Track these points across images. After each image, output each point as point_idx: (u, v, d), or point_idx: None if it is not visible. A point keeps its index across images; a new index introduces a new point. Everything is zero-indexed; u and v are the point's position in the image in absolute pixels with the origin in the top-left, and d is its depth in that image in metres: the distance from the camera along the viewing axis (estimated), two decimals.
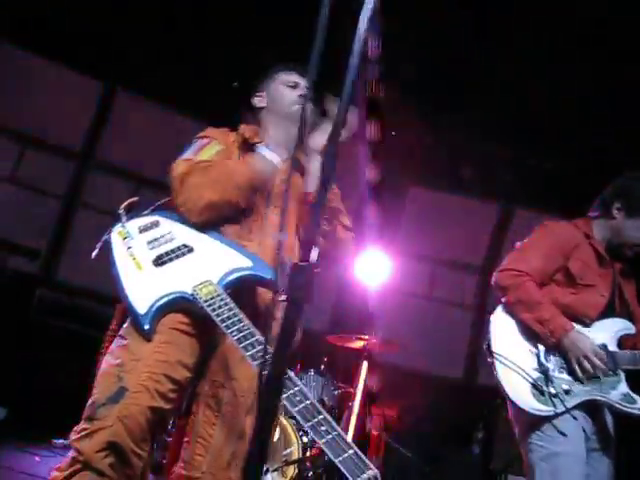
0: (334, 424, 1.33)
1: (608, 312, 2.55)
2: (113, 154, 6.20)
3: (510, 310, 2.53)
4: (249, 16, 5.19)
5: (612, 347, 2.46)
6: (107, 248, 1.99)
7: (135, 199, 2.14)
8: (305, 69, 2.13)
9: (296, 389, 1.43)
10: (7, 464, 3.92)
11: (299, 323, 1.01)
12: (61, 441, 4.65)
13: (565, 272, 2.55)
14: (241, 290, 1.82)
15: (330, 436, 1.31)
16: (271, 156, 2.04)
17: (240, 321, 1.62)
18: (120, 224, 2.06)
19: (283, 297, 1.03)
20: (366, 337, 4.47)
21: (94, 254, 2.03)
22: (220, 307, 1.66)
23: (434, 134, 5.94)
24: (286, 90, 2.18)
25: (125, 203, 2.10)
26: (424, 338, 6.17)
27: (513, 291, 2.50)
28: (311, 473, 3.89)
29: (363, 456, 1.28)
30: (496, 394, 5.61)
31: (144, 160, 6.20)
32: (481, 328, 6.54)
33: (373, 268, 5.44)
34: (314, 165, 2.05)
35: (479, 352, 6.48)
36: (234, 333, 1.58)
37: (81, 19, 5.31)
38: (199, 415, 1.86)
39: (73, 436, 1.69)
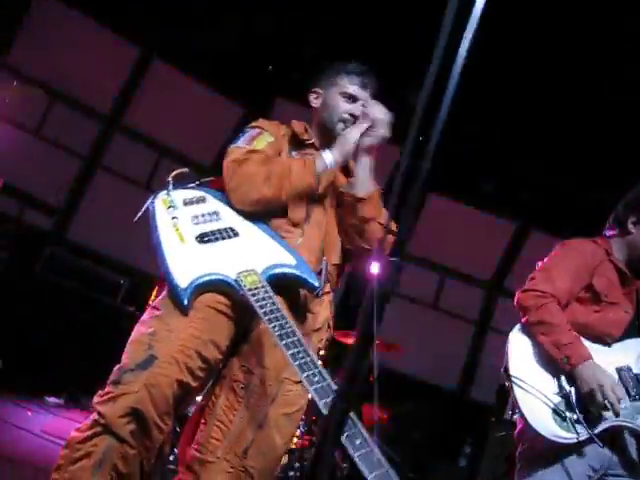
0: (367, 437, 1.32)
1: (631, 331, 2.47)
2: (139, 121, 6.18)
3: (529, 331, 2.49)
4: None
5: (637, 369, 2.37)
6: (150, 214, 1.98)
7: (185, 170, 2.11)
8: (368, 78, 2.14)
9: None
10: (1, 414, 3.93)
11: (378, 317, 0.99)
12: (53, 399, 4.67)
13: (589, 289, 2.48)
14: (279, 284, 1.81)
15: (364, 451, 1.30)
16: (330, 162, 2.01)
17: (283, 317, 1.59)
18: (165, 192, 2.04)
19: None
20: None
21: (136, 218, 2.02)
22: (264, 299, 1.63)
23: (461, 143, 5.91)
24: (341, 102, 2.12)
25: (174, 172, 2.08)
26: (423, 345, 6.17)
27: (534, 312, 2.43)
28: (298, 464, 3.91)
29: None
30: (489, 412, 5.66)
31: (169, 131, 6.19)
32: (481, 343, 6.56)
33: (382, 269, 5.42)
34: (360, 165, 2.03)
35: (476, 367, 6.50)
36: (276, 328, 1.56)
37: None
38: (221, 398, 1.83)
39: (96, 399, 1.67)
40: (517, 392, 2.36)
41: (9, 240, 4.84)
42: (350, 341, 4.48)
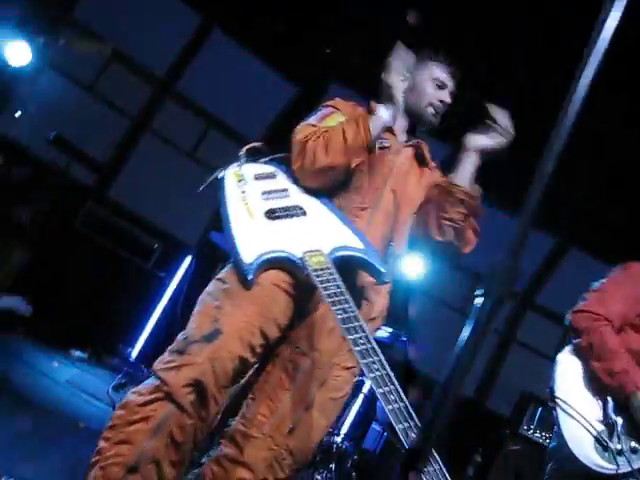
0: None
1: None
2: (192, 90, 6.18)
3: (580, 354, 2.44)
4: None
5: None
6: (219, 185, 1.96)
7: (259, 144, 2.09)
8: (457, 70, 2.12)
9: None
10: (27, 360, 3.99)
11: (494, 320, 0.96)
12: (78, 353, 4.73)
13: None
14: (341, 267, 1.79)
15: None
16: (385, 114, 1.98)
17: (347, 301, 1.57)
18: (237, 165, 2.01)
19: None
20: (389, 329, 4.49)
21: (201, 187, 2.00)
22: (328, 281, 1.61)
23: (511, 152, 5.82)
24: (431, 87, 2.11)
25: (248, 145, 2.06)
26: (444, 348, 6.11)
27: (587, 335, 2.37)
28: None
29: None
30: (503, 424, 5.61)
31: (220, 103, 6.18)
32: (504, 354, 6.50)
33: (415, 265, 5.38)
34: (468, 161, 2.00)
35: (496, 377, 6.45)
36: (339, 312, 1.54)
37: None
38: (273, 376, 1.84)
39: (159, 365, 1.68)
40: (560, 415, 2.32)
41: (53, 192, 4.89)
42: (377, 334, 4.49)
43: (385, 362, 1.46)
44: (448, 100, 2.09)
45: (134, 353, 5.23)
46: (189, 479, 1.83)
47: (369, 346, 1.47)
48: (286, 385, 1.83)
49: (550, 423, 5.08)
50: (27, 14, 4.77)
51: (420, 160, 2.16)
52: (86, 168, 5.38)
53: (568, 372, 2.41)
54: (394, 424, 1.33)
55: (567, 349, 2.47)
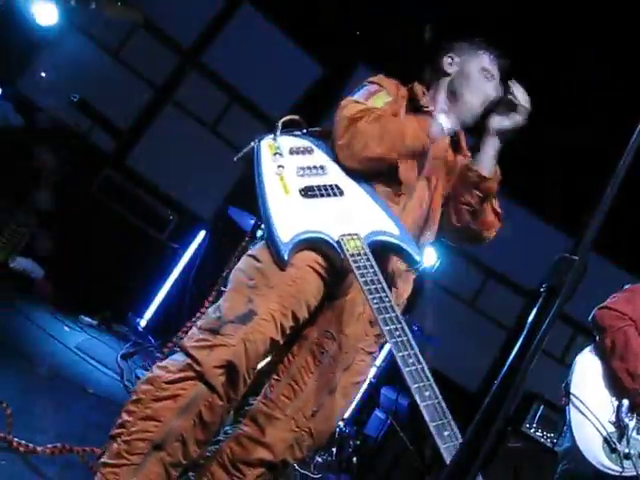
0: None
1: None
2: (218, 62, 6.11)
3: (601, 354, 2.42)
4: None
5: None
6: (255, 156, 1.90)
7: (296, 117, 2.03)
8: (505, 63, 2.08)
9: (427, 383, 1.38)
10: (39, 322, 3.98)
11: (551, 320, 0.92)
12: (88, 319, 4.73)
13: None
14: (374, 252, 1.75)
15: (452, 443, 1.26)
16: (446, 124, 1.96)
17: (383, 290, 1.53)
18: (272, 136, 1.95)
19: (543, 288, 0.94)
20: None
21: (237, 157, 1.94)
22: (365, 267, 1.57)
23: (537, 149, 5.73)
24: (481, 78, 2.06)
25: (286, 117, 2.00)
26: (452, 342, 6.10)
27: (610, 334, 2.37)
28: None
29: None
30: (506, 421, 5.59)
31: (245, 78, 6.12)
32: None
33: (427, 256, 5.35)
34: (489, 144, 1.96)
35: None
36: (375, 300, 1.50)
37: None
38: (299, 358, 1.81)
39: (190, 342, 1.64)
40: (572, 413, 2.32)
41: (75, 155, 4.85)
42: None
43: (420, 355, 1.43)
44: (494, 94, 2.04)
45: (143, 322, 5.23)
46: (206, 455, 1.80)
47: (405, 338, 1.44)
48: (312, 368, 1.81)
49: (551, 422, 5.10)
50: None
51: (456, 148, 2.13)
52: (107, 134, 5.34)
53: (586, 371, 2.42)
54: (427, 421, 1.30)
55: (588, 349, 2.46)
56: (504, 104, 1.95)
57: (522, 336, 0.95)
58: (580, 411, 2.31)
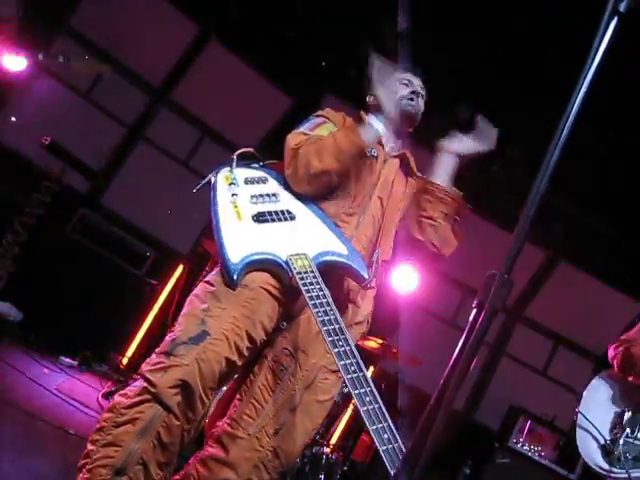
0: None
1: None
2: (187, 99, 6.21)
3: (615, 376, 2.59)
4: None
5: None
6: (211, 186, 2.00)
7: (249, 150, 2.14)
8: (417, 70, 2.22)
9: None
10: (18, 366, 3.97)
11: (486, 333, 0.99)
12: (68, 360, 4.71)
13: None
14: (327, 272, 1.83)
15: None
16: (377, 125, 2.10)
17: (328, 304, 1.62)
18: (228, 168, 2.06)
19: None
20: (380, 341, 4.50)
21: (195, 189, 2.04)
22: (311, 284, 1.66)
23: (502, 164, 5.85)
24: (400, 87, 2.20)
25: (240, 150, 2.11)
26: (434, 360, 6.12)
27: (621, 354, 2.56)
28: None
29: None
30: (492, 436, 5.62)
31: (215, 113, 6.21)
32: (492, 369, 6.52)
33: (406, 278, 5.41)
34: (448, 163, 2.09)
35: (484, 389, 6.47)
36: (320, 314, 1.59)
37: None
38: (259, 377, 1.87)
39: (145, 367, 1.70)
40: (579, 418, 2.52)
41: (47, 198, 4.88)
42: (368, 345, 4.50)
43: (362, 364, 1.51)
44: (418, 90, 2.18)
45: (125, 361, 5.22)
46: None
47: (347, 348, 1.53)
48: (272, 386, 1.86)
49: (537, 435, 5.16)
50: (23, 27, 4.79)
51: (406, 170, 2.24)
52: (80, 175, 5.38)
53: (600, 389, 2.60)
54: (367, 425, 1.37)
55: (602, 374, 2.67)
56: (465, 129, 2.07)
57: (457, 347, 1.00)
58: (587, 418, 2.45)
